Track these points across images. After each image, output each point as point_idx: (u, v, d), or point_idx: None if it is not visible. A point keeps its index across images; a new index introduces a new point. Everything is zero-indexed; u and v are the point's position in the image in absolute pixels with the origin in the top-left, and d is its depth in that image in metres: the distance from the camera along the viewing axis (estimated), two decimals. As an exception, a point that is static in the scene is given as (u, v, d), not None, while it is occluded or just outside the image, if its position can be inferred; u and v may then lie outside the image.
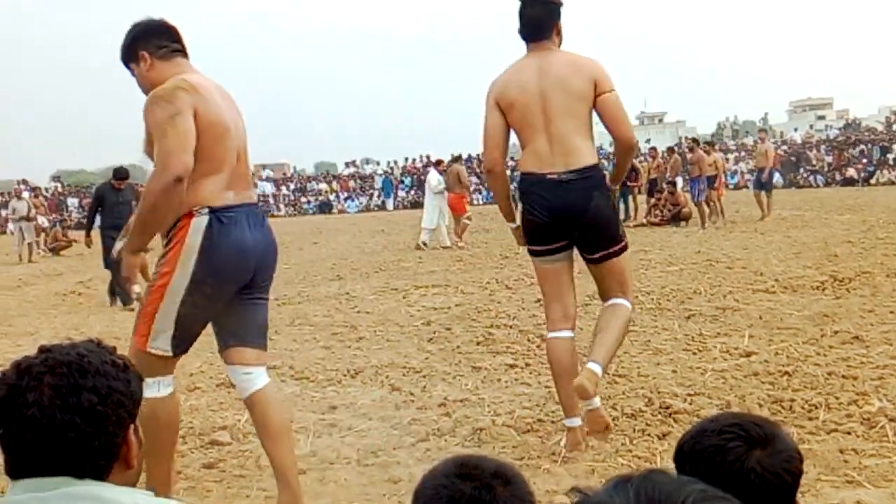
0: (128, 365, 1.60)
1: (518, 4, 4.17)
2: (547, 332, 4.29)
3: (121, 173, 11.11)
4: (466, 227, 16.74)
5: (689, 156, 18.65)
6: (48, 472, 1.48)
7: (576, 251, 4.23)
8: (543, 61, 4.08)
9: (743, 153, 40.43)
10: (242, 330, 3.48)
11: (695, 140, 21.49)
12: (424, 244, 16.26)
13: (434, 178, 17.31)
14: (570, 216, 4.04)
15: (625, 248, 4.23)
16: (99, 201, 11.01)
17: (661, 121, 70.79)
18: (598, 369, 3.91)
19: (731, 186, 33.20)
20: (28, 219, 20.34)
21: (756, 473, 1.44)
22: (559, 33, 4.21)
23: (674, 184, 18.97)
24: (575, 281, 4.32)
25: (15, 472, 1.51)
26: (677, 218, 18.17)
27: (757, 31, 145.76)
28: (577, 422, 4.08)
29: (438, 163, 18.50)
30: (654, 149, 24.54)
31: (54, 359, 1.49)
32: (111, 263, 10.37)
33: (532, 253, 4.26)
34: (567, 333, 4.16)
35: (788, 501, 1.50)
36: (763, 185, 18.47)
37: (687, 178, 18.63)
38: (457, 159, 18.39)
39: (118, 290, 10.36)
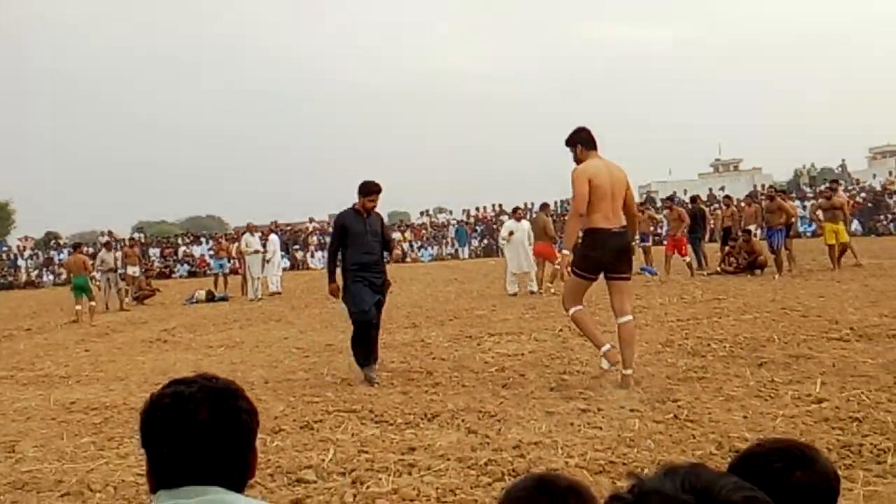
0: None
1: (582, 128, 7.12)
2: (571, 309, 7.08)
3: (371, 186, 8.23)
4: (557, 272, 16.49)
5: (767, 204, 18.51)
6: (196, 483, 1.68)
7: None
8: (608, 164, 7.00)
9: (822, 200, 39.79)
10: None
11: (772, 188, 21.79)
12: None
13: (505, 230, 17.69)
14: (619, 251, 6.95)
15: (630, 277, 7.22)
16: (341, 232, 8.28)
17: (736, 168, 69.84)
18: (630, 372, 6.87)
19: (808, 235, 32.75)
20: (113, 270, 21.16)
21: (796, 490, 1.63)
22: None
23: (748, 231, 18.84)
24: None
25: (161, 484, 1.72)
26: (753, 266, 17.99)
27: (835, 77, 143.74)
28: (608, 346, 7.05)
29: (514, 211, 18.58)
30: (728, 197, 24.49)
31: (207, 386, 1.74)
32: (362, 316, 8.09)
33: (580, 276, 7.02)
34: (582, 307, 7.15)
35: None
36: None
37: (764, 226, 18.52)
38: (544, 207, 18.39)
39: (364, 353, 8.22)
